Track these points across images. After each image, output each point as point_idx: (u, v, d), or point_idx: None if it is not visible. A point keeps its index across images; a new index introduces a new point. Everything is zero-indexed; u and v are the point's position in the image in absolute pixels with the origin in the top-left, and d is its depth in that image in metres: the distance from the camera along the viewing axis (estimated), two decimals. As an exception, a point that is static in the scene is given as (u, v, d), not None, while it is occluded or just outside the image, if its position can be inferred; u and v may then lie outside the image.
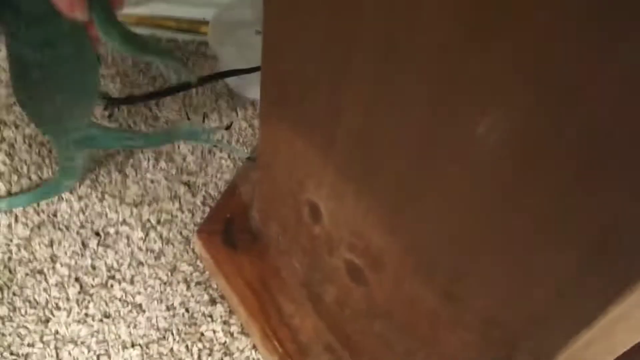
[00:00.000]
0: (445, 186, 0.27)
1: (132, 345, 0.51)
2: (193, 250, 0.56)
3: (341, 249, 0.40)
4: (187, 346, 0.51)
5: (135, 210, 0.57)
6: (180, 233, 0.57)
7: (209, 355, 0.50)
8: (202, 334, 0.51)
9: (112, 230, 0.56)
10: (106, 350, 0.50)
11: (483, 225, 0.26)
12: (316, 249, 0.44)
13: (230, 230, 0.54)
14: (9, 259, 0.54)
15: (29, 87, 0.45)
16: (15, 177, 0.59)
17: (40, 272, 0.53)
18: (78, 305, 0.52)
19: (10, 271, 0.53)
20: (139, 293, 0.53)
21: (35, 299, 0.52)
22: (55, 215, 0.57)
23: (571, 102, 0.19)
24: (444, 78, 0.24)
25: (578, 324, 0.23)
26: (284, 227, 0.48)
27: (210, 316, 0.52)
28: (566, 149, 0.20)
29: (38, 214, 0.57)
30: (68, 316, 0.51)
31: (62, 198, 0.58)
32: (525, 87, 0.21)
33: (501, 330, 0.29)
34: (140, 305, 0.53)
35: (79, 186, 0.58)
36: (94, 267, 0.54)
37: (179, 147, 0.61)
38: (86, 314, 0.52)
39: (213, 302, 0.53)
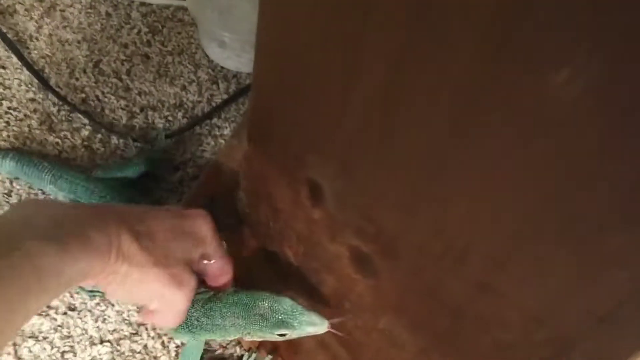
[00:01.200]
0: (492, 153, 0.22)
1: (101, 342, 0.45)
2: (170, 235, 0.50)
3: (346, 234, 0.35)
4: (163, 342, 0.46)
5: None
6: (156, 216, 0.51)
7: (189, 352, 0.45)
8: (181, 329, 0.46)
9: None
10: (71, 347, 0.44)
11: (542, 201, 0.22)
12: (314, 234, 0.39)
13: (213, 214, 0.49)
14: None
15: None
16: None
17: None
18: (38, 296, 0.46)
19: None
20: (109, 283, 0.47)
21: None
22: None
23: None
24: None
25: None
26: (277, 210, 0.42)
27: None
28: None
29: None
30: (26, 309, 0.45)
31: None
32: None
33: (548, 330, 0.25)
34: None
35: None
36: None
37: (153, 122, 0.55)
38: (48, 306, 0.46)
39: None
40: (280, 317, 0.39)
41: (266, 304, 0.39)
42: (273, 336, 0.40)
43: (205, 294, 0.41)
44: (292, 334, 0.40)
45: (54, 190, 0.49)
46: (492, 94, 0.21)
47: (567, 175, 0.20)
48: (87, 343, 0.45)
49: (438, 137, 0.25)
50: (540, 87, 0.19)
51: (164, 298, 0.35)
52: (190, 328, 0.41)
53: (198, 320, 0.40)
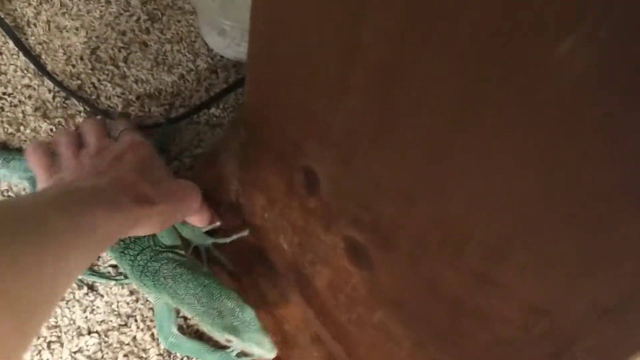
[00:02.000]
0: (495, 136, 0.21)
1: (89, 333, 0.44)
2: (163, 225, 0.49)
3: (341, 224, 0.34)
4: (152, 335, 0.44)
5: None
6: (149, 206, 0.49)
7: (179, 345, 0.44)
8: (171, 321, 0.45)
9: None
10: (58, 337, 0.43)
11: (547, 185, 0.20)
12: (309, 224, 0.37)
13: (207, 204, 0.48)
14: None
15: None
16: None
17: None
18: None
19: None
20: (99, 273, 0.46)
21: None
22: (9, 191, 0.50)
23: None
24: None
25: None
26: (272, 199, 0.41)
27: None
28: None
29: (-17, 179, 0.49)
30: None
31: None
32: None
33: (549, 323, 0.23)
34: (98, 288, 0.46)
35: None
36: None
37: (149, 110, 0.54)
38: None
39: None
40: (234, 323, 0.38)
41: (230, 305, 0.39)
42: (219, 336, 0.39)
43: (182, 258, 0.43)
44: (237, 345, 0.39)
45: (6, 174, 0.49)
46: (495, 71, 0.20)
47: (574, 156, 0.19)
48: (75, 333, 0.44)
49: (439, 121, 0.23)
50: (545, 60, 0.17)
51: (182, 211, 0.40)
52: (155, 282, 0.41)
53: (164, 279, 0.41)
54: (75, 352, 0.43)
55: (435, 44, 0.22)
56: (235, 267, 0.47)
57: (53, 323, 0.44)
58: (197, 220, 0.44)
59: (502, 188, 0.22)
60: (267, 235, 0.44)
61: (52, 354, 0.43)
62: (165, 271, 0.41)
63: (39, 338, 0.43)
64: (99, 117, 0.50)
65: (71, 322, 0.44)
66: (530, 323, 0.24)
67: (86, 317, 0.44)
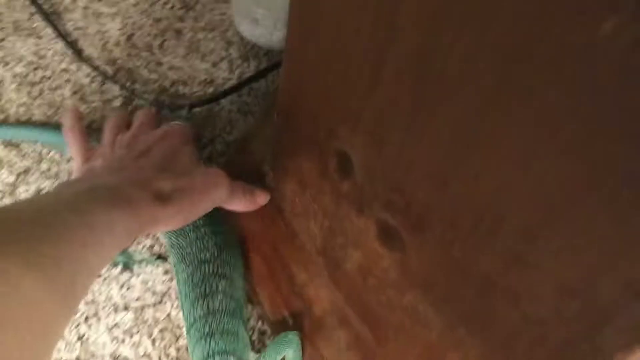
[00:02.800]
0: (532, 118, 0.22)
1: (125, 309, 0.45)
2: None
3: (374, 207, 0.35)
4: (186, 313, 0.46)
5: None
6: (183, 189, 0.51)
7: (211, 323, 0.45)
8: (204, 300, 0.46)
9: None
10: (95, 312, 0.45)
11: (585, 165, 0.21)
12: (341, 208, 0.38)
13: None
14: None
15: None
16: (0, 118, 0.53)
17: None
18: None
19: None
20: (135, 252, 0.48)
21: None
22: (40, 161, 0.51)
23: None
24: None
25: None
26: (304, 184, 0.42)
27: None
28: None
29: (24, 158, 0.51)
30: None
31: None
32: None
33: (582, 303, 0.24)
34: (133, 268, 0.47)
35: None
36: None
37: (183, 95, 0.56)
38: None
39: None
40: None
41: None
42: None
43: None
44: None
45: None
46: (535, 52, 0.20)
47: (615, 136, 0.19)
48: (111, 309, 0.45)
49: (474, 105, 0.24)
50: (588, 39, 0.18)
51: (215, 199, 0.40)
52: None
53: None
54: (111, 327, 0.44)
55: (474, 27, 0.22)
56: (267, 251, 0.48)
57: (91, 299, 0.46)
58: (236, 207, 0.44)
59: (538, 170, 0.23)
60: (298, 220, 0.45)
61: (89, 327, 0.44)
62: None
63: (76, 313, 0.45)
64: (152, 108, 0.51)
65: (108, 298, 0.46)
66: (562, 304, 0.25)
67: (122, 294, 0.46)
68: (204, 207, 0.40)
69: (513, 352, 0.29)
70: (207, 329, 0.39)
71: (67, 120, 0.43)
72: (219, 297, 0.41)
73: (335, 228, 0.41)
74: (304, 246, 0.46)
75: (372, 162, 0.33)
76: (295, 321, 0.46)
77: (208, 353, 0.38)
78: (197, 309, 0.40)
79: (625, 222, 0.21)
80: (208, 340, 0.39)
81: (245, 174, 0.49)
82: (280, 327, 0.45)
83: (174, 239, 0.44)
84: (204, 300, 0.40)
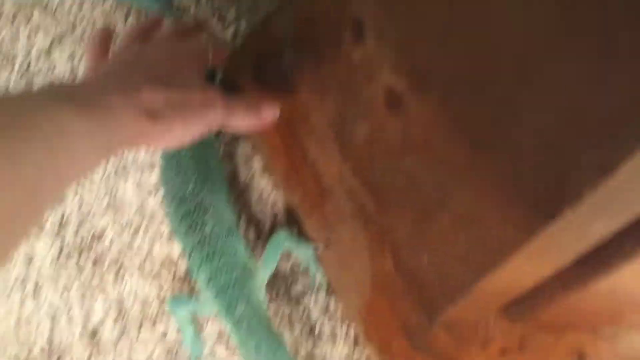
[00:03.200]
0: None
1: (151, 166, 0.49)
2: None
3: (384, 72, 0.37)
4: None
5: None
6: (207, 65, 0.53)
7: (226, 191, 0.49)
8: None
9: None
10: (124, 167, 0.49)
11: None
12: (353, 79, 0.41)
13: (262, 66, 0.51)
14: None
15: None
16: None
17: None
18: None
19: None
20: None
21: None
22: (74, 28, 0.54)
23: None
24: None
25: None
26: (320, 60, 0.44)
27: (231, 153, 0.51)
28: None
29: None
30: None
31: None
32: None
33: (555, 151, 0.26)
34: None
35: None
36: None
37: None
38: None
39: (235, 138, 0.51)
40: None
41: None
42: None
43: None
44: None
45: None
46: None
47: None
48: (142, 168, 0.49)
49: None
50: None
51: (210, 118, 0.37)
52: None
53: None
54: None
55: None
56: (282, 128, 0.51)
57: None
58: (239, 125, 0.41)
59: (530, 18, 0.25)
60: (314, 96, 0.48)
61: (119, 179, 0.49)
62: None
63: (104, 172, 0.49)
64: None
65: (135, 159, 0.50)
66: (538, 152, 0.27)
67: (151, 153, 0.50)
68: (198, 129, 0.36)
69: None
70: (205, 253, 0.43)
71: (94, 35, 0.40)
72: (210, 224, 0.44)
73: (348, 101, 0.43)
74: (318, 123, 0.49)
75: (383, 24, 0.35)
76: (304, 188, 0.50)
77: (212, 273, 0.42)
78: (191, 237, 0.43)
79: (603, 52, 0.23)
80: (208, 263, 0.43)
81: (267, 52, 0.51)
82: (289, 195, 0.49)
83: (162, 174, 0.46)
84: (195, 230, 0.43)
